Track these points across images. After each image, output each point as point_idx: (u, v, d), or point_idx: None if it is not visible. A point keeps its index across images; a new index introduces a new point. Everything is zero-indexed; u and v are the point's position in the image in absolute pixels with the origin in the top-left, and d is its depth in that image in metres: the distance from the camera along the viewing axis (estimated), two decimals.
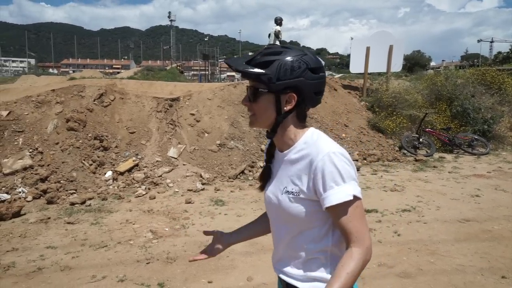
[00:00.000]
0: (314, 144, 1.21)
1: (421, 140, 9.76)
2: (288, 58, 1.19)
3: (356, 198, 1.14)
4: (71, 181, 6.40)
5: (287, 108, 1.22)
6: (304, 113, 1.29)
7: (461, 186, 6.77)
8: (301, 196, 1.20)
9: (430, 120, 10.68)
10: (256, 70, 1.19)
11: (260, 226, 1.55)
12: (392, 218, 5.09)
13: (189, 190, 6.47)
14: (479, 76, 12.64)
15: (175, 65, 34.87)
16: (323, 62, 1.31)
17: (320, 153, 1.16)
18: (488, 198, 5.99)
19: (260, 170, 7.43)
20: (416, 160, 8.92)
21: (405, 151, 9.68)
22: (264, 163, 1.40)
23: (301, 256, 1.26)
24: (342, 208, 1.13)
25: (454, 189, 6.56)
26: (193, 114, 8.38)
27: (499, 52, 44.85)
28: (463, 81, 12.09)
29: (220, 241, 1.55)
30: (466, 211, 5.34)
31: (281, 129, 1.26)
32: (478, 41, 71.04)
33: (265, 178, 1.37)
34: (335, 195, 1.12)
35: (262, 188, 1.40)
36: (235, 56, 1.68)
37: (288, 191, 1.24)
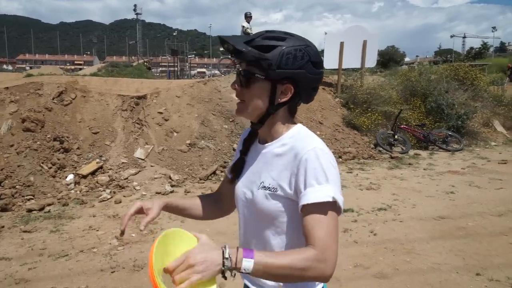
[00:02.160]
0: (301, 139, 1.16)
1: (396, 137, 9.98)
2: (292, 46, 1.13)
3: (335, 205, 1.06)
4: (28, 186, 6.18)
5: (281, 99, 1.17)
6: (295, 107, 1.25)
7: (436, 183, 6.97)
8: (279, 192, 1.15)
9: (405, 117, 10.95)
10: (257, 53, 1.12)
11: (197, 206, 1.44)
12: (368, 217, 5.17)
13: (157, 193, 6.37)
14: (452, 72, 13.06)
15: (142, 61, 34.27)
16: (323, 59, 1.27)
17: (306, 147, 1.11)
18: (462, 194, 6.19)
19: None
20: (391, 158, 9.11)
21: (381, 149, 9.87)
22: (239, 153, 1.33)
23: None
24: (315, 209, 1.04)
25: (429, 186, 6.75)
26: (161, 113, 8.25)
27: (472, 48, 46.63)
28: (437, 77, 12.46)
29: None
30: (441, 208, 5.50)
31: (269, 121, 1.21)
32: (451, 36, 73.54)
33: (238, 170, 1.31)
34: (313, 194, 1.05)
35: (233, 180, 1.33)
36: (233, 35, 1.58)
37: (265, 187, 1.17)
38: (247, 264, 0.94)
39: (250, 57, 1.12)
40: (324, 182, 1.06)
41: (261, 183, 1.19)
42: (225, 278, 0.96)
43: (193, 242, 0.98)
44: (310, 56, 1.15)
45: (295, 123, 1.25)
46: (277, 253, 1.03)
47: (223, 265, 0.93)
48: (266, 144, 1.24)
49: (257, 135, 1.30)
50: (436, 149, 10.37)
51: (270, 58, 1.12)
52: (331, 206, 1.05)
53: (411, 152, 9.88)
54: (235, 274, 0.97)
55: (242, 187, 1.28)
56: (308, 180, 1.07)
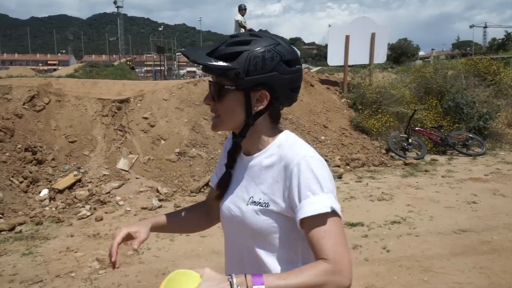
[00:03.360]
0: (289, 148, 1.18)
1: (410, 140, 10.02)
2: (259, 49, 1.15)
3: (335, 213, 1.09)
4: None
5: (258, 108, 1.19)
6: (277, 113, 1.26)
7: (456, 192, 6.99)
8: (271, 208, 1.17)
9: (420, 118, 11.00)
10: (221, 63, 1.14)
11: (186, 221, 1.49)
12: (380, 231, 5.19)
13: (143, 208, 6.36)
14: (472, 66, 13.15)
15: (124, 60, 34.40)
16: (298, 52, 1.29)
17: (296, 156, 1.13)
18: (486, 204, 6.21)
19: None
20: (405, 164, 9.15)
21: (393, 154, 9.91)
22: (225, 167, 1.34)
23: None
24: (316, 221, 1.07)
25: (449, 195, 6.77)
26: (146, 118, 8.26)
27: (494, 39, 46.89)
28: (455, 73, 12.54)
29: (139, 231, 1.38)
30: (462, 220, 5.51)
31: (251, 132, 1.22)
32: (471, 26, 73.98)
33: (225, 186, 1.33)
34: (310, 206, 1.07)
35: (220, 197, 1.34)
36: (195, 46, 1.60)
37: (254, 202, 1.20)
38: None
39: (215, 69, 1.15)
40: (320, 192, 1.09)
41: (250, 198, 1.21)
42: None
43: (197, 280, 1.00)
44: (281, 55, 1.16)
45: (281, 130, 1.27)
46: (288, 274, 1.03)
47: None
48: (253, 155, 1.25)
49: (241, 147, 1.30)
50: (456, 154, 10.41)
51: (236, 67, 1.13)
52: (331, 215, 1.08)
53: (427, 157, 9.92)
54: None
55: (229, 204, 1.29)
56: (303, 191, 1.10)
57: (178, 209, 6.20)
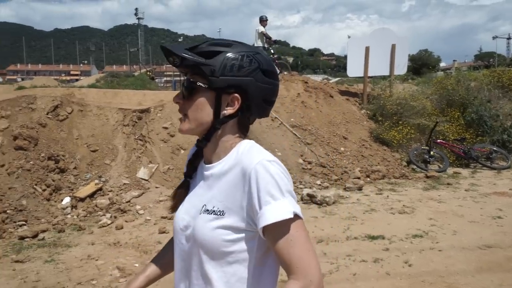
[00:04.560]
0: (246, 153, 1.14)
1: (432, 153, 9.90)
2: (238, 52, 1.15)
3: (297, 217, 1.05)
4: (20, 210, 6.28)
5: (227, 111, 1.17)
6: (246, 123, 1.24)
7: (480, 206, 6.86)
8: (226, 217, 1.11)
9: (442, 130, 10.87)
10: (197, 58, 1.14)
11: (167, 263, 1.41)
12: (401, 245, 5.11)
13: (163, 217, 6.41)
14: (495, 78, 12.97)
15: (145, 70, 34.89)
16: (277, 70, 1.30)
17: (253, 161, 1.09)
18: None
19: None
20: (427, 177, 9.03)
21: (414, 167, 9.79)
22: (184, 176, 1.31)
23: None
24: (280, 229, 1.04)
25: (472, 209, 6.65)
26: (166, 128, 8.35)
27: None
28: (477, 84, 12.37)
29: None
30: (487, 235, 5.40)
31: (215, 137, 1.20)
32: (494, 37, 72.98)
33: (181, 196, 1.28)
34: (271, 212, 1.03)
35: (174, 208, 1.29)
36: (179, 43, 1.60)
37: (208, 210, 1.14)
38: None
39: (191, 62, 1.14)
40: (280, 196, 1.05)
41: (203, 207, 1.16)
42: None
43: None
44: (259, 63, 1.16)
45: (243, 139, 1.23)
46: None
47: None
48: (211, 165, 1.21)
49: (202, 155, 1.27)
50: (479, 167, 10.24)
51: (212, 64, 1.13)
52: (294, 220, 1.05)
53: (450, 170, 9.77)
54: None
55: (181, 214, 1.24)
56: (263, 197, 1.05)
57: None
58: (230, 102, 1.17)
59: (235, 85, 1.14)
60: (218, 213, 1.12)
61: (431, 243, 5.16)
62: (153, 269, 1.41)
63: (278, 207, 1.04)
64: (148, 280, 1.38)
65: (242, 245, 1.11)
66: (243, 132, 1.23)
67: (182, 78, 11.32)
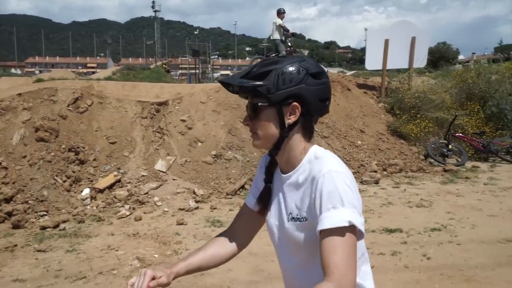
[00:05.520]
0: (317, 162, 1.26)
1: (450, 146, 9.80)
2: (286, 66, 1.26)
3: (352, 227, 1.13)
4: (42, 201, 6.42)
5: (291, 120, 1.28)
6: (311, 125, 1.35)
7: (500, 200, 6.79)
8: (307, 221, 1.25)
9: (461, 124, 10.74)
10: (252, 82, 1.26)
11: (209, 257, 1.49)
12: (419, 238, 5.10)
13: (180, 209, 6.48)
14: None
15: (160, 63, 35.03)
16: (326, 69, 1.37)
17: (322, 170, 1.21)
18: None
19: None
20: (445, 171, 8.95)
21: (432, 160, 9.71)
22: (264, 182, 1.43)
23: None
24: (332, 235, 1.13)
25: (492, 203, 6.58)
26: (184, 121, 8.42)
27: None
28: (499, 77, 12.17)
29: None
30: (507, 229, 5.35)
31: (285, 145, 1.31)
32: None
33: (266, 201, 1.42)
34: (328, 218, 1.14)
35: (262, 212, 1.44)
36: (230, 75, 1.74)
37: (293, 218, 1.29)
38: None
39: (249, 88, 1.27)
40: (340, 206, 1.14)
41: (289, 215, 1.31)
42: None
43: None
44: (307, 69, 1.26)
45: (311, 144, 1.35)
46: None
47: None
48: (288, 174, 1.34)
49: (277, 163, 1.40)
50: (499, 161, 10.11)
51: (267, 83, 1.25)
52: (348, 231, 1.13)
53: (468, 164, 9.67)
54: None
55: (273, 221, 1.40)
56: (324, 204, 1.16)
57: (217, 212, 6.31)
58: (291, 111, 1.28)
59: (291, 96, 1.25)
60: (303, 220, 1.26)
61: (449, 237, 5.14)
62: (194, 259, 1.46)
63: (335, 215, 1.14)
64: (188, 268, 1.43)
65: None
66: (309, 134, 1.35)
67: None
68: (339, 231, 1.12)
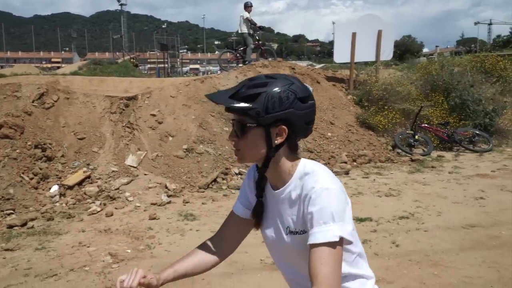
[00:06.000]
0: (309, 178, 1.31)
1: (416, 137, 10.06)
2: (276, 89, 1.29)
3: (340, 240, 1.21)
4: (8, 199, 6.23)
5: (278, 141, 1.33)
6: (295, 144, 1.40)
7: (464, 187, 7.03)
8: (306, 234, 1.29)
9: (426, 115, 11.02)
10: (243, 104, 1.29)
11: (195, 264, 1.53)
12: (388, 226, 5.23)
13: (152, 204, 6.43)
14: (478, 63, 13.14)
15: (128, 57, 34.45)
16: (311, 89, 1.40)
17: (315, 187, 1.27)
18: (493, 200, 6.25)
19: (235, 177, 7.47)
20: (412, 160, 9.18)
21: (400, 150, 9.95)
22: (256, 197, 1.48)
23: None
24: (322, 248, 1.21)
25: (456, 191, 6.81)
26: (154, 115, 8.33)
27: (498, 36, 46.81)
28: (461, 69, 12.54)
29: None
30: (470, 215, 5.55)
31: (273, 163, 1.36)
32: (475, 23, 73.65)
33: (259, 214, 1.47)
34: (320, 233, 1.21)
35: (257, 225, 1.49)
36: (218, 91, 1.77)
37: (292, 231, 1.35)
38: None
39: (239, 111, 1.31)
40: (331, 221, 1.22)
41: (287, 229, 1.37)
42: None
43: None
44: (295, 93, 1.30)
45: (298, 158, 1.40)
46: None
47: None
48: (280, 190, 1.39)
49: (266, 177, 1.44)
50: (462, 150, 10.44)
51: (256, 107, 1.28)
52: (338, 244, 1.22)
53: (434, 153, 9.96)
54: None
55: (271, 233, 1.45)
56: (315, 220, 1.24)
57: (190, 206, 6.30)
58: (279, 133, 1.32)
59: (280, 119, 1.30)
60: (301, 232, 1.32)
61: (417, 224, 5.29)
62: (181, 266, 1.50)
63: (327, 230, 1.21)
64: (174, 275, 1.47)
65: None
66: (294, 151, 1.40)
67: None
68: (329, 245, 1.20)
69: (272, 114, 1.28)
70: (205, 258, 1.54)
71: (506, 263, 4.07)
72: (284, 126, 1.30)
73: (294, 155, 1.39)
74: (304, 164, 1.37)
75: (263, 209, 1.46)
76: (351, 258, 1.42)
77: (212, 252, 1.56)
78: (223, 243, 1.58)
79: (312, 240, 1.22)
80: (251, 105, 1.28)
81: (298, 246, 1.33)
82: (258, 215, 1.47)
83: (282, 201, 1.38)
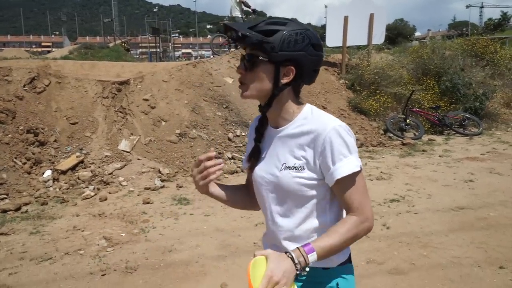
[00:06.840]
0: (317, 120, 1.37)
1: (408, 121, 10.12)
2: (293, 30, 1.33)
3: (361, 169, 1.33)
4: (1, 184, 6.22)
5: (284, 81, 1.36)
6: (299, 89, 1.44)
7: (453, 171, 7.12)
8: (305, 170, 1.36)
9: (417, 98, 11.09)
10: (260, 36, 1.31)
11: (236, 195, 1.64)
12: (379, 209, 5.30)
13: (146, 188, 6.45)
14: (469, 47, 13.19)
15: (120, 41, 34.01)
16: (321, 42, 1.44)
17: (327, 127, 1.32)
18: (482, 182, 6.34)
19: (229, 162, 7.49)
20: (403, 144, 9.26)
21: (391, 134, 10.02)
22: (254, 142, 1.52)
23: (300, 235, 1.41)
24: (349, 180, 1.30)
25: (446, 174, 6.90)
26: (146, 100, 8.29)
27: (490, 19, 46.82)
28: (452, 53, 12.57)
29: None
30: (459, 198, 5.64)
31: (276, 103, 1.40)
32: (467, 6, 73.52)
33: (256, 158, 1.51)
34: (344, 167, 1.29)
35: (252, 169, 1.52)
36: (226, 21, 1.77)
37: (289, 167, 1.38)
38: (312, 257, 1.22)
39: (255, 40, 1.31)
40: (349, 154, 1.31)
41: (283, 165, 1.40)
42: (299, 276, 1.21)
43: (263, 261, 1.20)
44: (310, 39, 1.35)
45: (302, 103, 1.45)
46: (328, 234, 1.29)
47: (297, 269, 1.19)
48: (281, 128, 1.43)
49: (267, 121, 1.48)
50: (452, 134, 10.54)
51: (272, 41, 1.31)
52: (359, 172, 1.33)
53: (425, 137, 10.04)
54: (306, 269, 1.22)
55: (261, 173, 1.47)
56: (336, 156, 1.30)
57: (184, 191, 6.32)
58: (286, 73, 1.36)
59: (291, 59, 1.33)
60: (299, 168, 1.36)
61: (407, 207, 5.37)
62: (223, 191, 1.60)
63: (348, 162, 1.30)
64: (215, 194, 1.58)
65: (318, 189, 1.38)
66: (297, 96, 1.44)
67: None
68: (354, 175, 1.31)
69: (285, 52, 1.31)
70: (239, 200, 1.64)
71: (493, 243, 4.16)
72: (293, 67, 1.34)
73: (297, 99, 1.44)
74: (311, 108, 1.43)
75: (260, 153, 1.50)
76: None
77: (248, 196, 1.66)
78: (251, 196, 1.64)
79: (338, 174, 1.29)
80: (268, 39, 1.31)
81: (289, 183, 1.37)
82: (253, 159, 1.51)
83: (282, 138, 1.42)
